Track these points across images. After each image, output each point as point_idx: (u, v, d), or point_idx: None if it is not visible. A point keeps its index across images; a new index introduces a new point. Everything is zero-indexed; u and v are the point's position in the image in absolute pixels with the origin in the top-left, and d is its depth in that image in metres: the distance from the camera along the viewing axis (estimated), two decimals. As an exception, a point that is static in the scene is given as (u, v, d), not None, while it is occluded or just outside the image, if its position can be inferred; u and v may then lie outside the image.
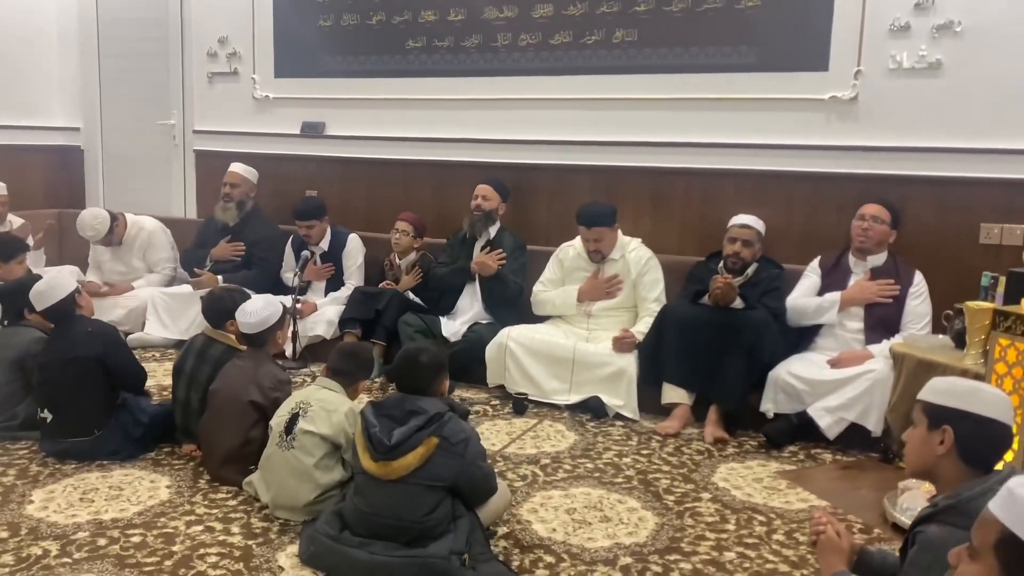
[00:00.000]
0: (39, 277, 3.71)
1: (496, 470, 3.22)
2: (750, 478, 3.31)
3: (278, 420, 2.87)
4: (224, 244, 5.21)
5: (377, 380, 4.45)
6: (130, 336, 5.11)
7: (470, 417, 3.13)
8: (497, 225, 4.66)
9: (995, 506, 1.29)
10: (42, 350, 3.40)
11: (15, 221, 5.48)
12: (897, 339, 3.66)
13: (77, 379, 3.24)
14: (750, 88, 4.45)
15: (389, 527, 2.48)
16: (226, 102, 5.91)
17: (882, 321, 3.80)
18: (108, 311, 5.19)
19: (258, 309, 3.20)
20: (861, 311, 3.86)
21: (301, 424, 2.79)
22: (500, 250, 4.53)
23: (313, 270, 5.08)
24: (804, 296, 4.00)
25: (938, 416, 1.81)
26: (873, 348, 3.73)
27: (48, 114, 6.43)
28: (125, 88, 6.39)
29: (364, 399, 3.52)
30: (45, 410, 3.30)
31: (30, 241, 5.35)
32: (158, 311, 5.16)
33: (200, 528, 2.75)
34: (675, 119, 4.66)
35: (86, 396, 3.25)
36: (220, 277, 5.18)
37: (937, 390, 1.86)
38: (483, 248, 4.60)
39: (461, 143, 5.18)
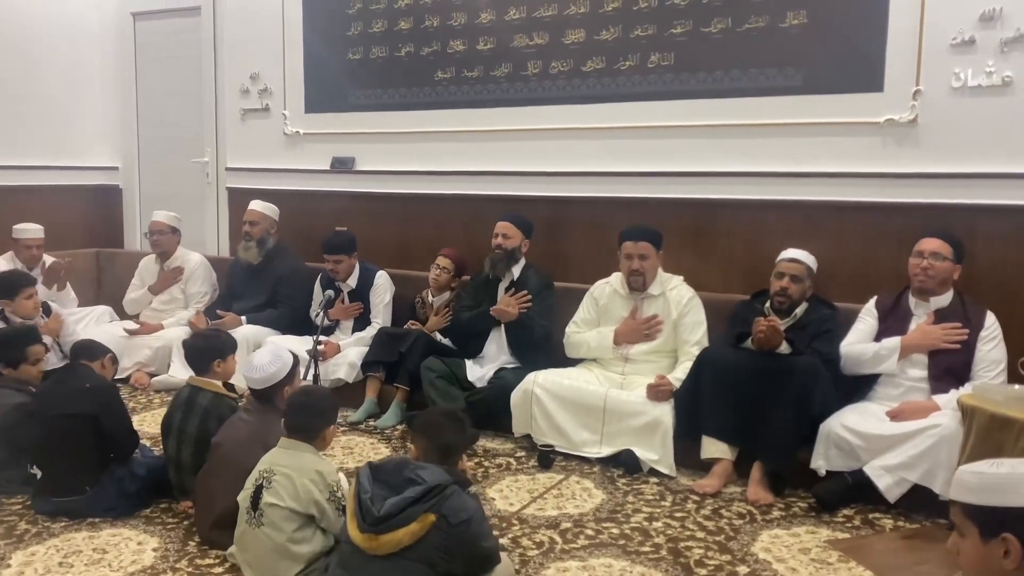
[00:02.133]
0: (32, 333, 3.58)
1: (510, 535, 2.96)
2: (796, 548, 2.93)
3: (244, 494, 2.62)
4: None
5: (398, 428, 4.21)
6: (155, 378, 5.02)
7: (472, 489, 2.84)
8: (521, 263, 4.39)
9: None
10: (34, 398, 3.25)
11: (47, 260, 5.44)
12: (967, 389, 3.25)
13: (69, 436, 3.07)
14: (797, 112, 4.12)
15: (371, 610, 2.21)
16: (258, 139, 5.83)
17: (949, 369, 3.39)
18: (135, 351, 5.13)
19: (264, 364, 2.96)
20: (925, 358, 3.45)
21: (266, 497, 2.54)
22: (525, 291, 4.25)
23: (340, 309, 4.90)
24: (860, 342, 3.61)
25: (989, 522, 1.44)
26: (939, 399, 3.31)
27: (88, 154, 6.45)
28: (161, 127, 6.39)
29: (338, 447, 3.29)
30: (34, 467, 3.13)
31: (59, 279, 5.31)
32: (183, 353, 5.02)
33: (177, 601, 2.52)
34: (716, 147, 4.35)
35: (77, 453, 3.08)
36: (244, 318, 5.06)
37: (973, 486, 1.48)
38: (507, 289, 4.32)
39: (492, 176, 4.96)
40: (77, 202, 6.37)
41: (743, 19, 4.21)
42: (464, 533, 2.25)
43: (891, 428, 3.26)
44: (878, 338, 3.59)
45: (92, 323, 5.38)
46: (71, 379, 3.22)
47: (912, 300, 3.59)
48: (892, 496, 3.18)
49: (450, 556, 2.24)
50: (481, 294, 4.42)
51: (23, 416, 3.22)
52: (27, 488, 3.25)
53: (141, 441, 3.42)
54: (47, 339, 4.67)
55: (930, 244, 3.52)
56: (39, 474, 3.13)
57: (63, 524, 3.04)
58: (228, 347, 3.30)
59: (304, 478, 2.53)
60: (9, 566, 2.73)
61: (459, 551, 2.25)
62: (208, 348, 3.23)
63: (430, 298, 4.75)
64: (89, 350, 3.40)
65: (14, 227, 5.32)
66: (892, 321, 3.60)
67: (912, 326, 3.54)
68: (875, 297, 3.72)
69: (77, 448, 3.07)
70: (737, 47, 4.23)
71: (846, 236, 4.07)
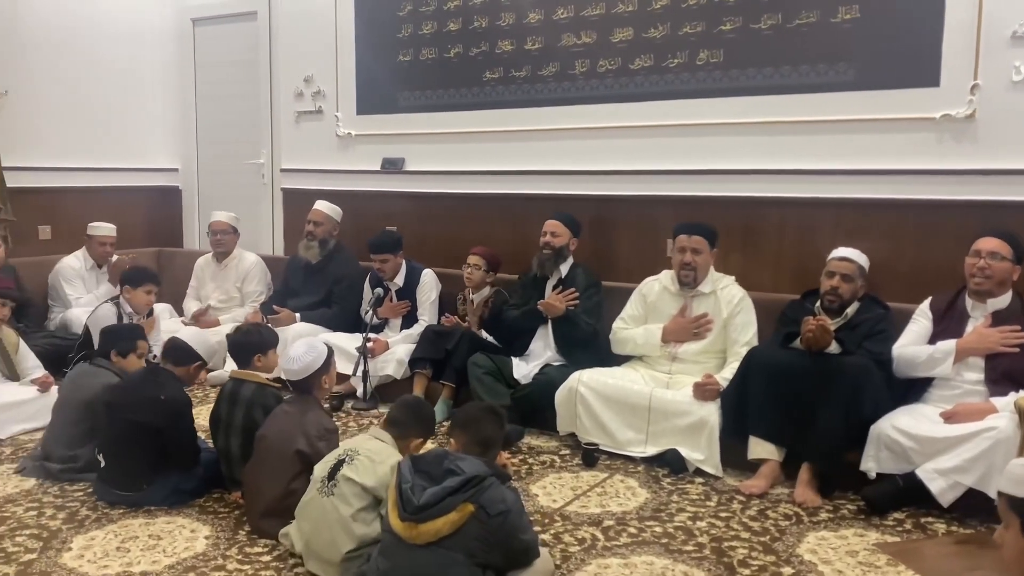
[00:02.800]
0: (140, 327, 3.80)
1: (552, 532, 2.97)
2: (843, 551, 2.88)
3: (322, 466, 2.72)
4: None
5: (444, 424, 4.26)
6: (211, 373, 5.15)
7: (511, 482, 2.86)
8: (569, 261, 4.39)
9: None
10: (113, 389, 3.38)
11: (113, 259, 5.63)
12: (1025, 392, 3.15)
13: (132, 437, 3.16)
14: (850, 108, 4.04)
15: (411, 598, 2.26)
16: (311, 140, 5.95)
17: (1007, 373, 3.27)
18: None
19: (300, 356, 3.05)
20: (981, 361, 3.34)
21: (344, 471, 2.63)
22: (572, 289, 4.25)
23: (388, 307, 4.97)
24: (913, 344, 3.52)
25: None
26: (996, 401, 3.21)
27: (150, 156, 6.68)
28: (219, 129, 6.59)
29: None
30: (100, 454, 3.26)
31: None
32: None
33: (227, 587, 2.60)
34: (767, 144, 4.29)
35: (138, 455, 3.17)
36: (298, 315, 5.16)
37: (1020, 478, 1.46)
38: (555, 287, 4.33)
39: (539, 175, 4.98)
40: (140, 202, 6.60)
41: (794, 15, 4.15)
42: (502, 525, 2.28)
43: (945, 430, 3.17)
44: (933, 340, 3.50)
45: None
46: (149, 385, 3.26)
47: (969, 301, 3.49)
48: (945, 500, 3.09)
49: (488, 547, 2.26)
50: (529, 292, 4.43)
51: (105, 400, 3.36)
52: (87, 475, 3.38)
53: (200, 442, 3.49)
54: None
55: (988, 243, 3.41)
56: (103, 462, 3.25)
57: (121, 511, 3.15)
58: (268, 342, 3.37)
59: (386, 465, 2.61)
60: (71, 549, 2.85)
61: (497, 542, 2.27)
62: (248, 343, 3.31)
63: (471, 295, 4.79)
64: (182, 353, 3.42)
65: (89, 225, 5.55)
66: (947, 323, 3.50)
67: (968, 328, 3.44)
68: (930, 298, 3.63)
69: (138, 451, 3.17)
70: (788, 43, 4.18)
71: (900, 235, 3.98)
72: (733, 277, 4.08)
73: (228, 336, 3.54)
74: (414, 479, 2.34)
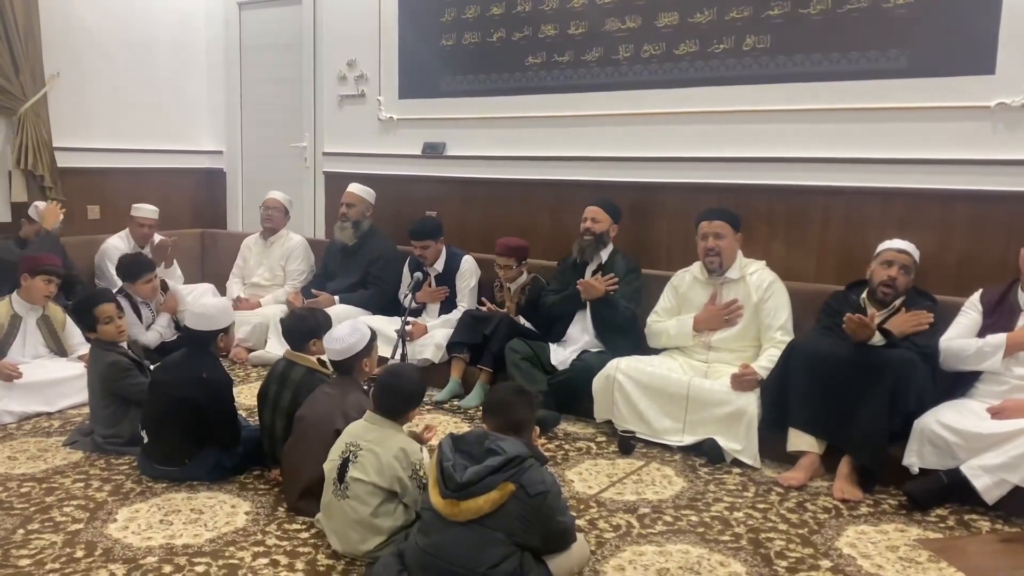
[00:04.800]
0: (99, 291, 3.87)
1: (587, 518, 2.97)
2: (883, 545, 2.83)
3: (330, 465, 2.71)
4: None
5: (481, 408, 4.27)
6: (252, 353, 5.24)
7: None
8: (609, 248, 4.36)
9: None
10: (158, 368, 3.45)
11: (156, 238, 5.74)
12: (1077, 388, 3.06)
13: (174, 414, 3.23)
14: (901, 96, 3.95)
15: (449, 574, 2.27)
16: (353, 124, 5.98)
17: (1059, 368, 3.20)
18: (235, 327, 5.34)
19: (343, 336, 3.07)
20: (1032, 356, 3.26)
21: (351, 472, 2.62)
22: (612, 275, 4.23)
23: (427, 292, 4.99)
24: (961, 336, 3.44)
25: None
26: (1047, 398, 3.13)
27: (195, 139, 6.78)
28: (263, 112, 6.65)
29: (420, 422, 3.34)
30: (144, 430, 3.33)
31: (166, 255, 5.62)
32: (279, 330, 5.23)
33: (265, 561, 2.64)
34: (813, 132, 4.22)
35: (181, 430, 3.24)
36: (337, 297, 5.22)
37: None
38: (595, 273, 4.31)
39: (580, 161, 4.95)
40: (185, 184, 6.71)
41: (844, 0, 4.06)
42: (541, 505, 2.28)
43: (992, 426, 3.10)
44: (982, 334, 3.41)
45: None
46: (193, 363, 3.30)
47: (1021, 295, 3.39)
48: (990, 498, 3.02)
49: (527, 526, 2.27)
50: (569, 277, 4.40)
51: (119, 375, 3.46)
52: (132, 448, 3.47)
53: (240, 416, 3.54)
54: (165, 316, 4.99)
55: None
56: (146, 438, 3.32)
57: (164, 485, 3.22)
58: (324, 326, 3.38)
59: (388, 455, 2.60)
60: (116, 520, 2.92)
61: (536, 521, 2.28)
62: (305, 328, 3.33)
63: (507, 283, 4.78)
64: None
65: (132, 206, 5.65)
66: (998, 316, 3.41)
67: (1021, 322, 3.35)
68: (980, 290, 3.54)
69: (180, 427, 3.23)
70: (837, 29, 4.08)
71: (951, 226, 3.89)
72: (763, 262, 4.02)
73: (282, 320, 3.55)
74: (455, 458, 2.36)
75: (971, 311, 3.51)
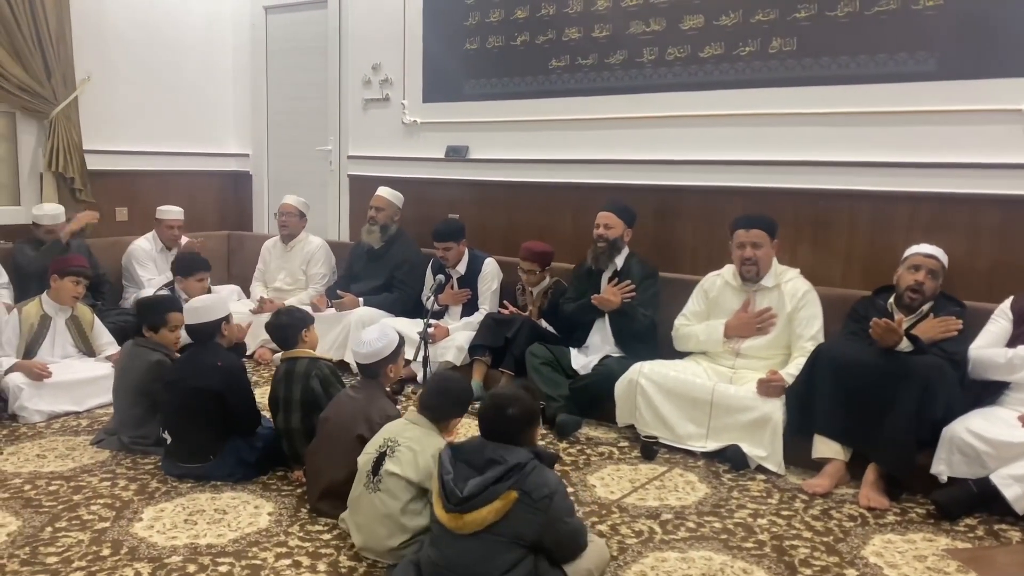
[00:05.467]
0: (174, 301, 3.86)
1: (609, 523, 2.96)
2: (910, 555, 2.79)
3: (365, 458, 2.72)
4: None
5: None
6: (276, 354, 5.26)
7: (557, 466, 2.82)
8: (624, 253, 4.33)
9: None
10: (170, 369, 3.49)
11: (183, 241, 5.80)
12: (1110, 398, 3.00)
13: (196, 407, 3.27)
14: (929, 99, 3.90)
15: (464, 586, 2.26)
16: (377, 128, 6.01)
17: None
18: (260, 330, 5.35)
19: (371, 340, 3.07)
20: (1064, 365, 3.20)
21: (387, 465, 2.62)
22: (628, 281, 4.20)
23: (449, 294, 5.00)
24: (991, 345, 3.38)
25: None
26: (1079, 406, 3.07)
27: (223, 142, 6.85)
28: (288, 116, 6.70)
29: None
30: (166, 432, 3.36)
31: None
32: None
33: (288, 562, 2.65)
34: (840, 136, 4.18)
35: (203, 424, 3.28)
36: (361, 299, 5.24)
37: None
38: (611, 279, 4.28)
39: (603, 164, 4.95)
40: (212, 187, 6.78)
41: (872, 2, 4.02)
42: (548, 507, 2.26)
43: (1023, 435, 3.05)
44: (1012, 343, 3.35)
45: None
46: (205, 355, 3.40)
47: (1054, 302, 3.34)
48: (1021, 508, 2.98)
49: (537, 529, 2.26)
50: (584, 285, 4.39)
51: (159, 375, 3.49)
52: (158, 449, 3.50)
53: (263, 415, 3.59)
54: None
55: None
56: (169, 439, 3.35)
57: (189, 485, 3.25)
58: (306, 319, 3.48)
59: (427, 453, 2.60)
60: (141, 519, 2.95)
61: (545, 523, 2.27)
62: (289, 324, 3.40)
63: (529, 287, 4.77)
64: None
65: (158, 208, 5.72)
66: (1029, 325, 3.36)
67: (1053, 330, 3.30)
68: (1011, 298, 3.48)
69: (203, 419, 3.27)
70: (865, 31, 4.04)
71: (980, 231, 3.83)
72: (798, 270, 3.98)
73: (267, 324, 3.57)
74: (456, 470, 2.34)
75: (1001, 319, 3.45)
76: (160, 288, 5.06)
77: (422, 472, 2.58)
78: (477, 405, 4.13)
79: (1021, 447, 3.02)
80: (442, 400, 2.76)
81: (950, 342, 3.41)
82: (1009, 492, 2.98)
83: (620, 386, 3.92)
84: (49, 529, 2.86)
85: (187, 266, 4.91)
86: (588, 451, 3.76)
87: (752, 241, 3.88)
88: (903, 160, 3.99)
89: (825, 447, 3.44)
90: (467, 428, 4.01)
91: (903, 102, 3.96)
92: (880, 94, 4.02)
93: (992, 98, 3.74)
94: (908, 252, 3.67)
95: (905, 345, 3.35)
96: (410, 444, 2.64)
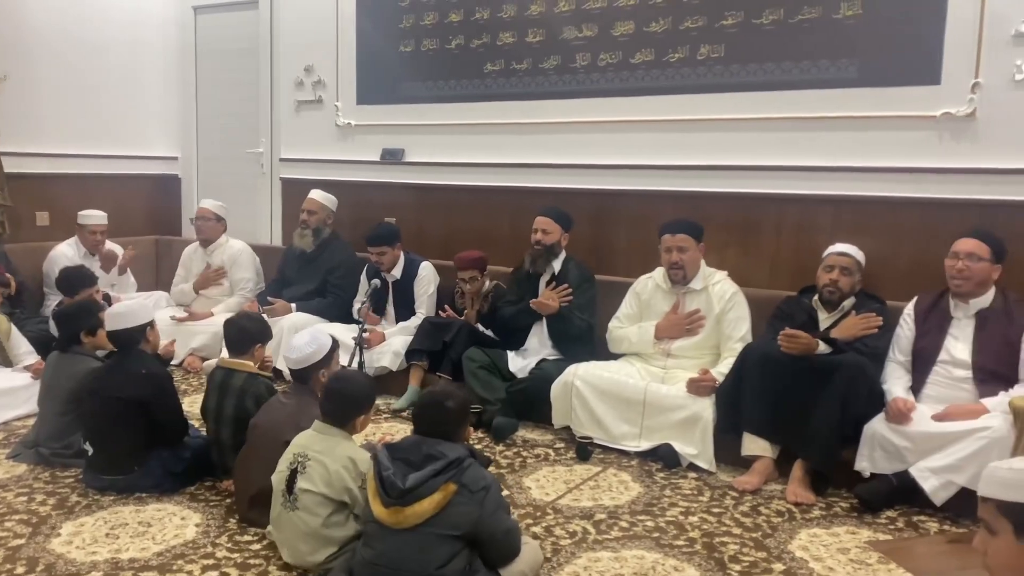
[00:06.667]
0: (97, 302, 3.73)
1: (544, 524, 2.96)
2: (834, 548, 2.87)
3: (279, 476, 2.66)
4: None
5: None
6: (206, 362, 5.14)
7: (491, 468, 2.84)
8: (562, 257, 4.36)
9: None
10: (92, 378, 3.36)
11: (107, 246, 5.62)
12: (1017, 390, 3.14)
13: (120, 417, 3.16)
14: (850, 105, 4.02)
15: (397, 580, 2.25)
16: (311, 130, 5.93)
17: (995, 371, 3.27)
18: (190, 337, 5.25)
19: (302, 345, 3.02)
20: (968, 359, 3.33)
21: (300, 483, 2.58)
22: (566, 285, 4.23)
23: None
24: (900, 352, 3.53)
25: None
26: (987, 402, 3.19)
27: (150, 144, 6.65)
28: (219, 118, 6.57)
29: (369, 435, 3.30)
30: (87, 443, 3.25)
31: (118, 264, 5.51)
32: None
33: (215, 574, 2.59)
34: (766, 140, 4.27)
35: (127, 434, 3.17)
36: (294, 305, 5.15)
37: (1010, 483, 1.44)
38: (548, 283, 4.31)
39: (539, 168, 4.96)
40: (139, 190, 6.57)
41: (796, 10, 4.13)
42: (485, 500, 2.29)
43: (938, 428, 3.17)
44: (918, 341, 3.48)
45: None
46: (130, 363, 3.28)
47: (952, 302, 3.47)
48: (938, 499, 3.09)
49: (473, 522, 2.28)
50: (523, 288, 4.41)
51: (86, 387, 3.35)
52: (79, 461, 3.37)
53: (190, 423, 3.50)
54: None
55: (965, 245, 3.39)
56: (91, 450, 3.24)
57: (112, 498, 3.15)
58: (268, 336, 3.40)
59: (337, 464, 2.56)
60: (59, 535, 2.84)
61: (481, 517, 2.29)
62: (252, 334, 3.30)
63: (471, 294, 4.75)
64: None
65: (79, 213, 5.52)
66: (931, 324, 3.48)
67: (952, 328, 3.42)
68: (915, 298, 3.60)
69: (127, 430, 3.17)
70: (789, 39, 4.15)
71: (899, 233, 3.96)
72: (725, 272, 4.06)
73: (231, 320, 3.44)
74: (395, 466, 2.33)
75: (905, 325, 3.56)
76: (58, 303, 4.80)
77: (335, 484, 2.55)
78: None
79: (937, 440, 3.13)
80: (339, 403, 2.69)
81: (871, 338, 3.53)
82: (927, 484, 3.09)
83: (556, 388, 3.95)
84: (-40, 547, 2.74)
85: (70, 285, 4.62)
86: (524, 453, 3.77)
87: (678, 245, 3.94)
88: (826, 164, 4.11)
89: (754, 444, 3.52)
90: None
91: (827, 108, 4.08)
92: (805, 100, 4.13)
93: (909, 104, 3.87)
94: (825, 252, 3.80)
95: (823, 349, 3.45)
96: (319, 457, 2.59)
